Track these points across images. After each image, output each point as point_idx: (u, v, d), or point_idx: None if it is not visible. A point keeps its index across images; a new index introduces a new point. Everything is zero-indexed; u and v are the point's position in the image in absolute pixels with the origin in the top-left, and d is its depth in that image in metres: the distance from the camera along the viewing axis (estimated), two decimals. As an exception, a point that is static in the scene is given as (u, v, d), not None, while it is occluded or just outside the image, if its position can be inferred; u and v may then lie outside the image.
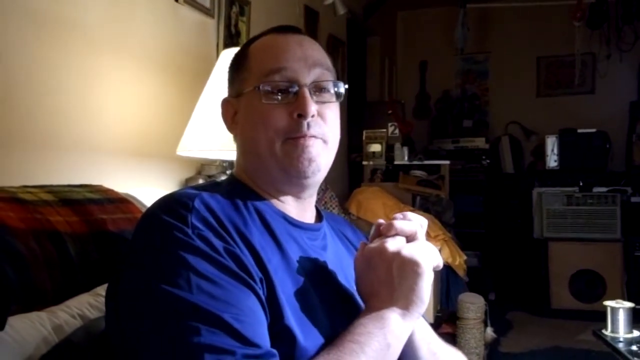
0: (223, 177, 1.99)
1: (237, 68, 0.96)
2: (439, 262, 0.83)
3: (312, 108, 0.87)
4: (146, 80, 2.21)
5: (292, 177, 0.89)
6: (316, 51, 0.93)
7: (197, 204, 0.78)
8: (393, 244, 0.81)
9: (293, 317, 0.77)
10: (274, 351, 0.72)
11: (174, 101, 2.32)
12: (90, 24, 1.91)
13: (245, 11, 2.94)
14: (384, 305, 0.79)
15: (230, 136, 1.81)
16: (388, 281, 0.80)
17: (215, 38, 2.73)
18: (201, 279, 0.71)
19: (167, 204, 0.80)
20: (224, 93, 1.89)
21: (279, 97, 0.88)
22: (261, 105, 0.87)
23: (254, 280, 0.76)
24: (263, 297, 0.76)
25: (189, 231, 0.74)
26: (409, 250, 0.80)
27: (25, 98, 1.66)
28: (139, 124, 2.16)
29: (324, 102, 0.90)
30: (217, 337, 0.68)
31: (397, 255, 0.80)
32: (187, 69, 2.44)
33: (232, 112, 0.95)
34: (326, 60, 0.93)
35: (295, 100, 0.87)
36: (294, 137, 0.87)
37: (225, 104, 0.97)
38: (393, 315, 0.78)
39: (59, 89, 1.78)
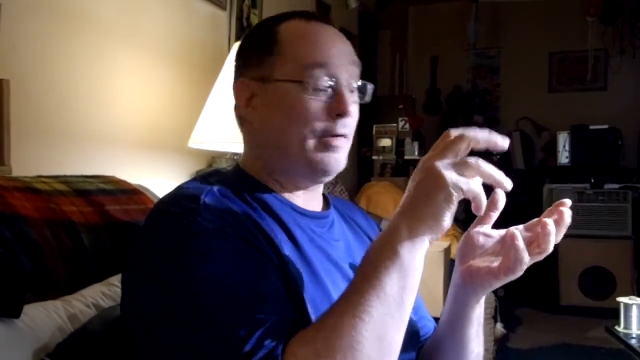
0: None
1: (262, 49, 0.89)
2: (475, 192, 0.69)
3: (352, 109, 0.86)
4: (158, 73, 2.22)
5: (317, 173, 0.88)
6: (351, 48, 0.91)
7: (207, 198, 0.77)
8: (432, 156, 0.71)
9: (309, 304, 0.77)
10: (298, 319, 0.72)
11: (186, 93, 2.33)
12: (103, 16, 1.92)
13: (257, 4, 2.93)
14: (395, 220, 0.71)
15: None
16: (409, 193, 0.71)
17: (227, 31, 2.73)
18: (223, 264, 0.71)
19: (176, 199, 0.79)
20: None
21: (322, 94, 0.85)
22: (301, 99, 0.85)
23: (273, 264, 0.76)
24: (282, 280, 0.76)
25: (203, 223, 0.74)
26: (435, 162, 0.69)
27: (39, 90, 1.67)
28: (151, 116, 2.16)
29: (354, 102, 0.89)
30: (248, 317, 0.68)
31: (424, 165, 0.70)
32: (199, 62, 2.45)
33: (248, 94, 0.90)
34: (356, 56, 0.92)
35: (336, 99, 0.85)
36: (328, 135, 0.85)
37: (241, 85, 0.90)
38: (402, 231, 0.69)
39: (73, 80, 1.79)
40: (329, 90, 0.86)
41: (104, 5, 1.92)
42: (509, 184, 0.73)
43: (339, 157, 0.87)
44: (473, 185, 0.69)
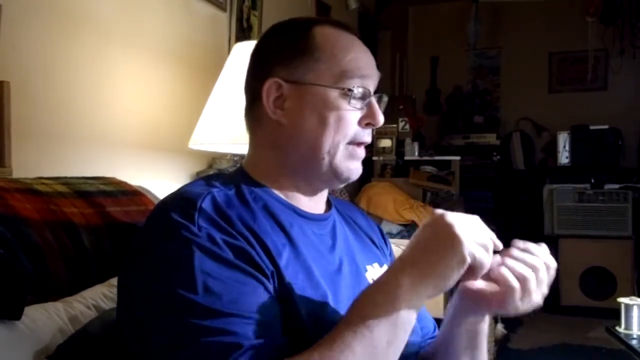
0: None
1: (295, 51, 0.89)
2: (483, 261, 0.72)
3: (382, 119, 0.90)
4: (159, 74, 2.22)
5: (340, 181, 0.90)
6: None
7: (205, 204, 0.77)
8: (451, 215, 0.73)
9: (305, 311, 0.77)
10: (281, 343, 0.72)
11: (186, 94, 2.33)
12: (103, 17, 1.92)
13: (257, 5, 2.93)
14: (400, 267, 0.73)
15: (243, 129, 1.80)
16: (419, 243, 0.73)
17: (227, 32, 2.73)
18: (208, 278, 0.71)
19: (175, 202, 0.79)
20: (237, 87, 1.88)
21: (358, 104, 0.88)
22: (341, 107, 0.87)
23: (265, 275, 0.75)
24: (273, 292, 0.76)
25: (196, 230, 0.74)
26: (456, 220, 0.72)
27: (40, 91, 1.67)
28: (152, 117, 2.16)
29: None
30: (224, 335, 0.68)
31: (442, 219, 0.73)
32: (199, 63, 2.45)
33: (277, 95, 0.88)
34: None
35: (368, 109, 0.89)
36: (354, 143, 0.89)
37: (270, 84, 0.88)
38: (404, 282, 0.71)
39: (73, 82, 1.79)
40: (361, 99, 0.88)
41: (104, 7, 1.92)
42: None
43: (360, 166, 0.91)
44: (486, 258, 0.72)
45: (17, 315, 0.81)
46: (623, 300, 2.09)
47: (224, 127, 1.80)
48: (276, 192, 0.90)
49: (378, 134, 4.44)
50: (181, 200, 0.79)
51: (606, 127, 4.76)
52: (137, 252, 0.79)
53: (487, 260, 0.73)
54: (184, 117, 2.19)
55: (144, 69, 2.13)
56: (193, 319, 0.68)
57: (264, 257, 0.77)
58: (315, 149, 0.87)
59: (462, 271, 0.71)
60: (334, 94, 0.86)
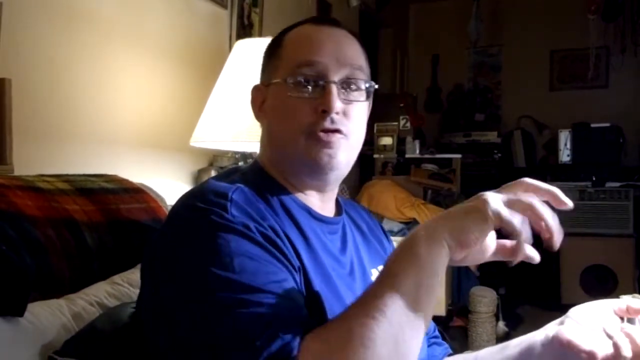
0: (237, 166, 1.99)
1: (270, 56, 0.94)
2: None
3: (337, 104, 0.85)
4: (160, 72, 2.22)
5: (312, 171, 0.88)
6: (351, 49, 0.91)
7: (235, 195, 0.78)
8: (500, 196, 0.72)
9: (327, 308, 0.78)
10: (308, 321, 0.72)
11: (188, 92, 2.33)
12: (104, 16, 1.92)
13: (258, 2, 2.93)
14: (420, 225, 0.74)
15: (243, 127, 1.80)
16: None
17: (228, 29, 2.73)
18: (245, 259, 0.71)
19: (204, 195, 0.79)
20: (238, 84, 1.88)
21: (306, 91, 0.86)
22: (287, 98, 0.86)
23: (294, 268, 0.77)
24: (301, 286, 0.77)
25: (230, 217, 0.74)
26: (488, 193, 0.72)
27: (41, 89, 1.67)
28: (153, 115, 2.16)
29: (350, 101, 0.88)
30: (260, 307, 0.68)
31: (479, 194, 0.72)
32: (201, 61, 2.45)
33: (260, 99, 0.94)
34: (360, 58, 0.91)
35: (321, 96, 0.85)
36: (317, 131, 0.85)
37: (254, 91, 0.96)
38: (420, 231, 0.71)
39: (75, 80, 1.79)
40: (315, 87, 0.86)
41: (105, 5, 1.92)
42: (559, 236, 0.74)
43: (332, 153, 0.86)
44: (515, 219, 0.70)
45: (20, 311, 0.82)
46: (625, 297, 2.09)
47: (225, 125, 1.80)
48: (290, 191, 0.90)
49: (379, 132, 4.44)
50: (210, 193, 0.79)
51: (607, 124, 4.75)
52: (165, 245, 0.78)
53: (517, 220, 0.70)
54: (185, 114, 2.19)
55: (145, 67, 2.13)
56: (228, 293, 0.68)
57: (292, 252, 0.78)
58: (282, 146, 0.89)
59: (485, 228, 0.70)
60: (283, 86, 0.87)
